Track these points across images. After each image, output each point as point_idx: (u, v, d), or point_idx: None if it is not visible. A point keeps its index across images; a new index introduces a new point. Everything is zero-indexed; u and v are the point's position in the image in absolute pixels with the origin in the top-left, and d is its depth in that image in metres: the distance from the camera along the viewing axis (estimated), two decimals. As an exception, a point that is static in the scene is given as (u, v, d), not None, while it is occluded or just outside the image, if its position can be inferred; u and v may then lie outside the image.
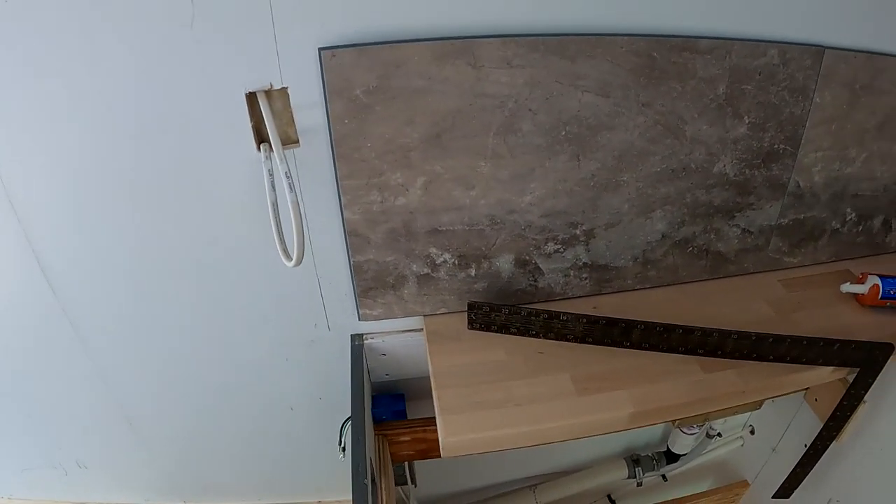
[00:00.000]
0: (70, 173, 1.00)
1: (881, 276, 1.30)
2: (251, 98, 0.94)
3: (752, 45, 1.08)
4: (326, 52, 0.91)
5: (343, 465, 1.09)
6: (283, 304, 1.22)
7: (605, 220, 1.21)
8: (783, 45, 1.10)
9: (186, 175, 1.01)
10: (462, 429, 1.05)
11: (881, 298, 1.29)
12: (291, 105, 0.96)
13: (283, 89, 0.94)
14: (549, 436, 1.08)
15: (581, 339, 1.16)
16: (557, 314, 1.14)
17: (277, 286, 1.18)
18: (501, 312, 1.16)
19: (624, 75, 1.04)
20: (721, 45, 1.07)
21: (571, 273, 1.27)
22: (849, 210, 1.39)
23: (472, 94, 0.99)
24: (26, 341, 1.24)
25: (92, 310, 1.18)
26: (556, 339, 1.17)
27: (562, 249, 1.22)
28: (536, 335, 1.17)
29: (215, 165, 1.01)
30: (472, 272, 1.21)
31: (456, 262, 1.18)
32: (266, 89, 0.93)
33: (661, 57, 1.04)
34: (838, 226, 1.40)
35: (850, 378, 1.23)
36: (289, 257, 0.93)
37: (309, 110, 0.97)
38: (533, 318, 1.15)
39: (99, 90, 0.91)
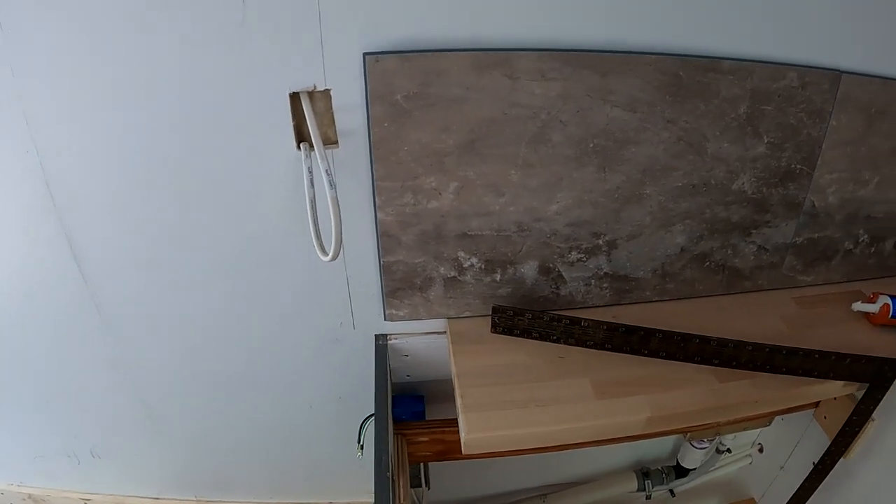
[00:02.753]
0: (112, 160, 1.02)
1: (892, 296, 1.32)
2: (294, 98, 0.97)
3: (773, 67, 1.11)
4: (371, 58, 0.94)
5: (357, 467, 1.10)
6: (310, 301, 1.25)
7: (627, 232, 1.24)
8: (802, 69, 1.13)
9: (227, 169, 1.05)
10: (484, 426, 1.07)
11: (891, 317, 1.31)
12: (333, 107, 0.99)
13: (326, 91, 0.98)
14: (568, 437, 1.10)
15: (601, 346, 1.19)
16: (578, 320, 1.17)
17: (306, 283, 1.21)
18: (525, 317, 1.19)
19: (651, 92, 1.08)
20: (743, 66, 1.10)
21: (592, 282, 1.29)
22: (861, 231, 1.41)
23: (508, 103, 1.03)
24: (53, 326, 1.26)
25: (121, 298, 1.21)
26: (577, 344, 1.20)
27: (584, 258, 1.25)
28: (557, 340, 1.20)
29: (256, 161, 1.04)
30: (498, 277, 1.23)
31: (483, 266, 1.21)
32: (309, 90, 0.97)
33: (686, 76, 1.08)
34: (851, 246, 1.43)
35: (860, 395, 1.25)
36: (325, 252, 0.95)
37: (349, 113, 1.00)
38: (555, 323, 1.18)
39: (148, 80, 0.94)
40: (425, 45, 0.96)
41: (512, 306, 1.20)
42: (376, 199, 1.09)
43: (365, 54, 0.94)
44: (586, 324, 1.17)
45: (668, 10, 1.03)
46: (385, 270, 1.19)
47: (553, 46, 1.01)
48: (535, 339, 1.21)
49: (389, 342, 1.31)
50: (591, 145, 1.11)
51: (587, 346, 1.20)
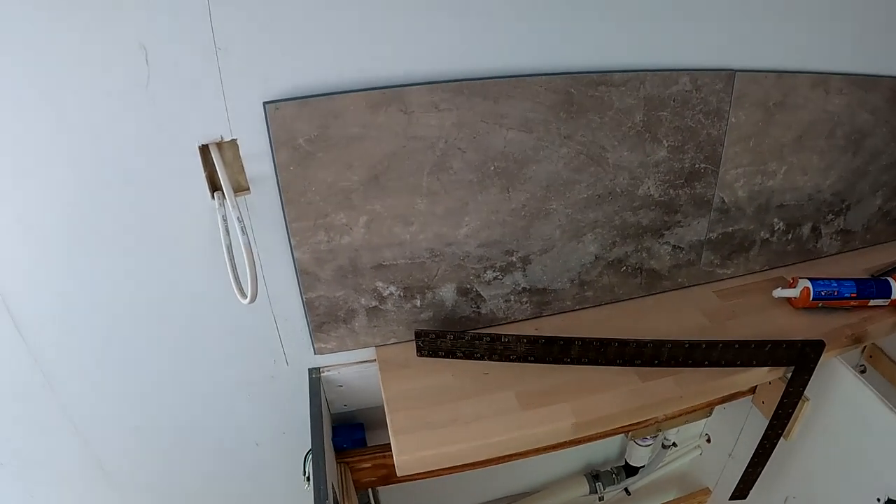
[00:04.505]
0: (35, 226, 1.02)
1: (811, 279, 1.35)
2: (204, 150, 0.99)
3: (665, 74, 1.15)
4: (270, 106, 0.97)
5: (309, 499, 1.11)
6: (242, 342, 1.25)
7: (539, 247, 1.27)
8: (694, 73, 1.17)
9: (147, 223, 1.05)
10: (415, 447, 1.09)
11: (812, 300, 1.34)
12: (241, 155, 1.01)
13: (233, 141, 1.00)
14: (498, 449, 1.12)
15: (524, 359, 1.21)
16: (499, 336, 1.20)
17: (236, 325, 1.21)
18: (447, 338, 1.21)
19: (545, 111, 1.11)
20: (634, 77, 1.14)
21: (512, 298, 1.32)
22: (776, 220, 1.45)
23: (405, 137, 1.06)
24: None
25: (62, 355, 1.19)
26: (501, 360, 1.22)
27: (500, 276, 1.28)
28: (482, 358, 1.22)
29: (174, 213, 1.05)
30: (418, 303, 1.25)
31: (401, 294, 1.23)
32: (217, 141, 0.99)
33: (578, 92, 1.11)
34: (767, 236, 1.46)
35: (788, 376, 1.28)
36: (244, 295, 0.97)
37: (258, 159, 1.03)
38: (476, 341, 1.21)
39: (62, 146, 0.94)
40: (322, 88, 0.99)
41: (434, 329, 1.22)
42: (291, 240, 1.11)
43: (265, 103, 0.97)
44: (507, 339, 1.20)
45: (552, 31, 1.07)
46: (309, 306, 1.20)
47: (442, 78, 1.04)
48: (460, 358, 1.23)
49: (323, 375, 1.32)
50: (492, 168, 1.14)
51: (511, 360, 1.22)
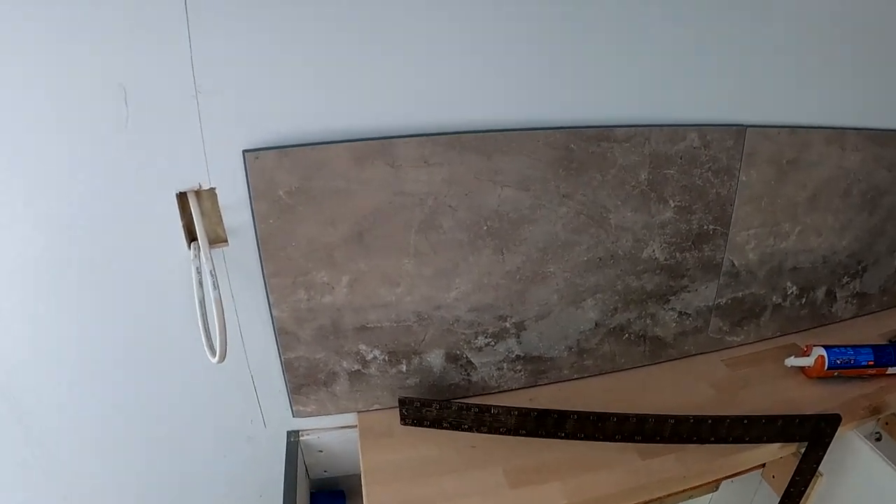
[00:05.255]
0: (11, 274, 0.99)
1: (826, 347, 1.29)
2: (182, 197, 0.95)
3: (671, 130, 1.10)
4: (250, 154, 0.92)
5: None
6: (218, 400, 1.20)
7: (535, 312, 1.20)
8: (703, 128, 1.12)
9: (123, 273, 1.01)
10: (389, 527, 1.02)
11: (828, 369, 1.28)
12: (220, 205, 0.97)
13: (212, 189, 0.96)
14: (480, 532, 1.05)
15: (514, 432, 1.14)
16: (488, 407, 1.12)
17: (212, 383, 1.16)
18: (432, 407, 1.14)
19: (542, 168, 1.06)
20: (639, 132, 1.08)
21: (505, 366, 1.25)
22: (789, 284, 1.39)
23: (392, 192, 1.00)
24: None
25: (37, 406, 1.15)
26: (490, 432, 1.14)
27: (492, 343, 1.21)
28: (469, 429, 1.15)
29: (150, 263, 1.01)
30: (404, 368, 1.19)
31: (386, 358, 1.17)
32: (196, 189, 0.95)
33: (578, 148, 1.06)
34: (780, 300, 1.40)
35: (802, 451, 1.20)
36: (214, 353, 0.92)
37: (237, 210, 0.98)
38: (464, 412, 1.13)
39: (38, 190, 0.91)
40: (305, 138, 0.95)
41: (419, 397, 1.15)
42: (270, 297, 1.06)
43: (244, 151, 0.93)
44: (496, 410, 1.12)
45: (552, 83, 1.03)
46: (287, 367, 1.14)
47: (433, 131, 0.99)
48: (447, 428, 1.15)
49: (302, 438, 1.25)
50: (485, 228, 1.08)
51: (500, 433, 1.14)
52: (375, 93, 0.96)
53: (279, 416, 1.23)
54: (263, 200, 0.96)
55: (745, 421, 1.12)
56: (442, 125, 1.00)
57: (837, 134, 1.24)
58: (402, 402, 1.14)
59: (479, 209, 1.06)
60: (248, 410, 1.22)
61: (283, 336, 1.10)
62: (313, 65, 0.92)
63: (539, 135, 1.03)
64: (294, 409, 1.20)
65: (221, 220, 0.99)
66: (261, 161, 0.93)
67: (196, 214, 0.94)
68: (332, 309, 1.09)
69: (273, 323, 1.09)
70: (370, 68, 0.94)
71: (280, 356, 1.13)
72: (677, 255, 1.24)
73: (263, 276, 1.04)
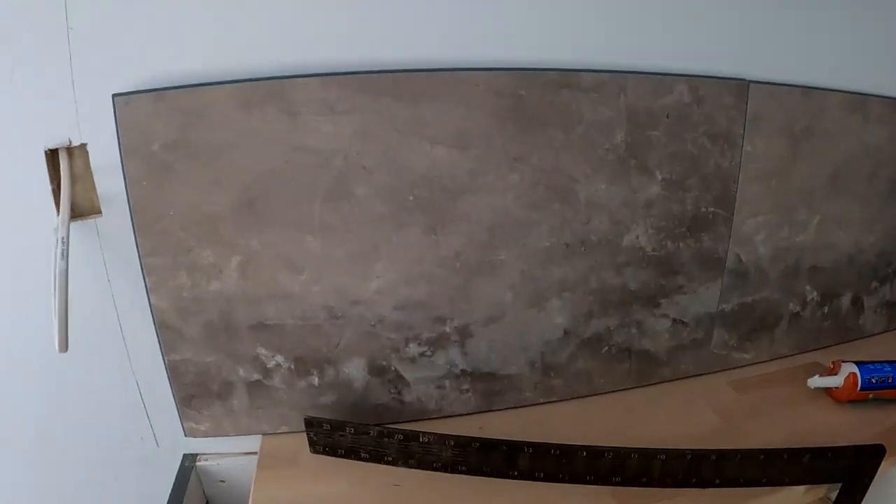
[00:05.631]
0: None
1: (858, 363, 1.14)
2: (53, 156, 0.85)
3: (654, 79, 0.97)
4: (120, 99, 0.81)
5: None
6: (102, 411, 1.06)
7: (483, 314, 1.03)
8: (694, 79, 0.98)
9: None
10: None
11: (861, 390, 1.13)
12: (92, 166, 0.87)
13: (83, 146, 0.86)
14: None
15: (451, 468, 0.94)
16: (417, 434, 0.93)
17: (91, 385, 1.03)
18: (346, 432, 0.95)
19: (484, 121, 0.91)
20: (611, 79, 0.94)
21: (447, 384, 1.07)
22: (808, 288, 1.23)
23: (289, 148, 0.87)
24: None
25: None
26: (419, 466, 0.95)
27: (429, 352, 1.04)
28: (394, 462, 0.95)
29: (14, 238, 0.91)
30: (315, 381, 1.01)
31: (292, 366, 1.00)
32: (67, 146, 0.85)
33: (531, 96, 0.91)
34: (798, 309, 1.24)
35: (833, 496, 1.01)
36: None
37: (111, 172, 0.87)
38: (386, 439, 0.94)
39: None
40: (185, 80, 0.83)
41: (330, 419, 0.96)
42: (147, 280, 0.91)
43: (114, 96, 0.81)
44: (427, 439, 0.93)
45: (495, 11, 0.90)
46: (173, 372, 0.97)
47: (339, 70, 0.86)
48: (366, 460, 0.96)
49: (199, 464, 1.11)
50: (411, 198, 0.93)
51: (434, 469, 0.95)
52: (269, 23, 0.85)
53: (173, 435, 1.09)
54: (135, 157, 0.84)
55: (762, 456, 0.93)
56: (351, 63, 0.87)
57: (859, 100, 1.11)
58: (309, 424, 0.96)
59: (403, 173, 0.91)
60: (137, 426, 1.09)
61: (165, 332, 0.95)
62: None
63: (478, 76, 0.88)
64: (185, 425, 1.04)
65: (94, 185, 0.88)
66: (132, 107, 0.81)
67: (65, 177, 0.84)
68: (222, 299, 0.94)
69: (152, 314, 0.94)
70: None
71: (164, 357, 0.98)
72: (668, 244, 1.08)
73: (139, 255, 0.90)
